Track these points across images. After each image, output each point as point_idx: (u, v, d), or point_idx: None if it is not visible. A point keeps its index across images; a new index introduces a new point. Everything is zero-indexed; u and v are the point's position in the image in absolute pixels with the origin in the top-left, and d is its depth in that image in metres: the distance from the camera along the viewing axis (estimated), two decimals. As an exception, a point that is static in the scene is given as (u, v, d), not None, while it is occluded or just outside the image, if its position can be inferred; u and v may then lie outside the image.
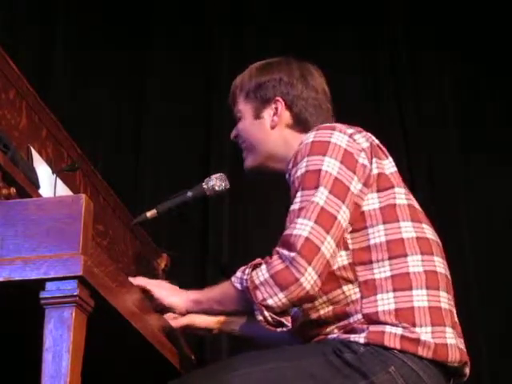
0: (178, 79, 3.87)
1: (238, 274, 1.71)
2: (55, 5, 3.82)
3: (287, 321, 1.67)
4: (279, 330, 1.67)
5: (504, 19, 3.88)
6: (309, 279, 1.61)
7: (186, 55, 3.93)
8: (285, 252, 1.63)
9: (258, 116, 1.96)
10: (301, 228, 1.63)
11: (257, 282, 1.64)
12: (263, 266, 1.66)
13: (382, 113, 3.84)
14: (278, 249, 1.65)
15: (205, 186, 2.06)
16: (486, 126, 3.78)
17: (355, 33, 3.98)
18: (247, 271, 1.69)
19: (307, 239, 1.62)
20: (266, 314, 1.64)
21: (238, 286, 1.70)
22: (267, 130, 1.95)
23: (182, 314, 1.84)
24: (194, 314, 1.91)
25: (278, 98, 1.94)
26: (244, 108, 1.98)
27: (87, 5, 3.87)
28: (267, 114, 1.95)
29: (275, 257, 1.65)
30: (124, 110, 3.85)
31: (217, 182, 2.06)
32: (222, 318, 2.00)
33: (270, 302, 1.62)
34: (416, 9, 3.99)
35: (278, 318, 1.65)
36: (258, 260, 1.70)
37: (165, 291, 1.83)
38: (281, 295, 1.62)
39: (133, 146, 3.78)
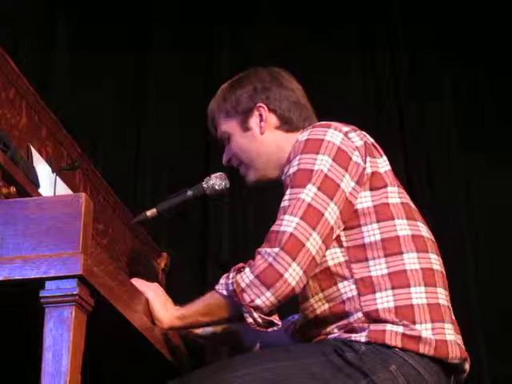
0: (178, 79, 3.87)
1: (222, 280, 1.70)
2: (55, 5, 3.82)
3: (276, 320, 1.67)
4: (270, 329, 1.67)
5: (504, 19, 3.88)
6: (294, 275, 1.61)
7: (186, 55, 3.93)
8: (267, 249, 1.63)
9: (246, 128, 1.95)
10: (286, 224, 1.64)
11: (243, 284, 1.64)
12: (247, 269, 1.66)
13: (382, 113, 3.84)
14: (259, 249, 1.66)
15: (205, 185, 2.06)
16: (485, 126, 3.77)
17: (355, 33, 3.98)
18: (231, 275, 1.68)
19: (291, 235, 1.62)
20: (256, 315, 1.64)
21: (224, 292, 1.68)
22: (259, 138, 1.94)
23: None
24: None
25: (260, 104, 1.94)
26: (228, 127, 1.97)
27: (87, 5, 3.87)
28: (253, 123, 1.94)
29: (257, 257, 1.65)
30: (124, 110, 3.85)
31: (217, 181, 2.06)
32: (220, 329, 2.00)
33: (258, 302, 1.62)
34: (416, 9, 3.99)
35: (267, 318, 1.65)
36: (241, 264, 1.69)
37: (156, 301, 1.75)
38: (268, 294, 1.62)
39: (133, 146, 3.78)
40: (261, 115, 1.94)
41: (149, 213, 2.05)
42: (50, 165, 1.95)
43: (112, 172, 3.16)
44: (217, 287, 1.71)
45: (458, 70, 3.88)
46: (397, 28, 3.99)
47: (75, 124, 3.00)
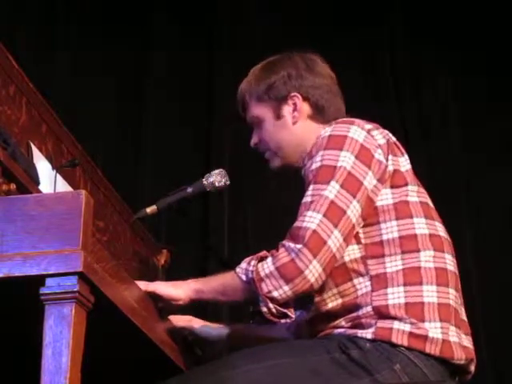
0: (178, 79, 3.87)
1: (243, 265, 1.71)
2: (55, 5, 3.82)
3: (291, 312, 1.68)
4: (283, 321, 1.69)
5: (504, 19, 3.88)
6: (313, 272, 1.61)
7: (186, 55, 3.93)
8: (291, 244, 1.63)
9: (278, 116, 1.93)
10: (309, 221, 1.64)
11: (262, 274, 1.65)
12: (269, 259, 1.66)
13: (382, 113, 3.83)
14: (284, 242, 1.66)
15: (205, 182, 2.07)
16: (486, 126, 3.78)
17: (355, 33, 3.98)
18: (253, 263, 1.69)
19: (314, 232, 1.63)
20: (271, 305, 1.65)
21: (243, 277, 1.70)
22: (290, 127, 1.92)
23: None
24: (195, 321, 1.94)
25: (294, 94, 1.91)
26: (260, 111, 1.95)
27: (87, 5, 3.87)
28: (286, 111, 1.93)
29: (281, 249, 1.65)
30: (124, 110, 3.85)
31: (217, 178, 2.07)
32: (226, 333, 2.00)
33: (275, 294, 1.63)
34: (416, 9, 3.99)
35: (282, 310, 1.66)
36: (264, 252, 1.70)
37: (165, 287, 1.81)
38: (286, 288, 1.62)
39: (133, 146, 3.78)
40: (295, 104, 1.92)
41: (149, 210, 2.06)
42: (50, 162, 1.95)
43: (112, 171, 3.16)
44: (237, 269, 1.72)
45: (458, 70, 3.88)
46: (397, 28, 3.99)
47: (75, 123, 3.00)
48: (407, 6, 4.01)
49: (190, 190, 2.05)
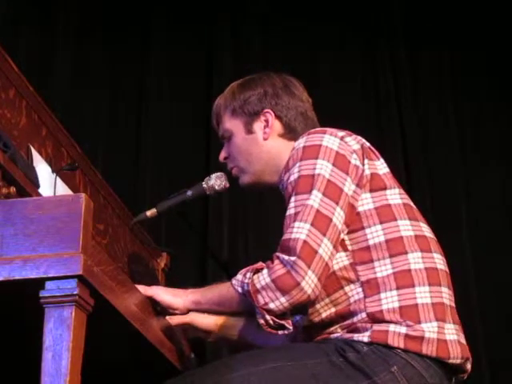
0: (177, 79, 3.87)
1: (239, 276, 1.71)
2: (55, 4, 3.82)
3: (288, 324, 1.67)
4: (281, 332, 1.68)
5: (504, 19, 3.88)
6: (309, 283, 1.62)
7: (185, 55, 3.93)
8: (285, 257, 1.63)
9: (249, 131, 1.96)
10: (298, 231, 1.64)
11: (258, 286, 1.65)
12: (264, 271, 1.66)
13: (382, 113, 3.84)
14: (278, 254, 1.66)
15: (205, 185, 2.07)
16: (485, 126, 3.78)
17: (355, 33, 3.98)
18: (248, 275, 1.68)
19: (305, 242, 1.63)
20: (268, 317, 1.65)
21: (239, 289, 1.70)
22: (260, 143, 1.95)
23: (184, 314, 1.84)
24: (195, 314, 1.93)
25: (267, 110, 1.94)
26: (232, 125, 1.97)
27: (87, 5, 3.88)
28: (258, 127, 1.95)
29: (276, 261, 1.65)
30: (124, 110, 3.85)
31: (216, 181, 2.07)
32: (221, 322, 2.00)
33: (271, 305, 1.63)
34: (416, 8, 3.99)
35: (279, 321, 1.66)
36: (260, 264, 1.70)
37: (165, 294, 1.83)
38: (282, 299, 1.63)
39: (133, 146, 3.78)
40: (266, 121, 1.94)
41: (148, 213, 2.06)
42: (50, 165, 1.95)
43: (112, 172, 3.17)
44: (233, 281, 1.72)
45: (458, 70, 3.88)
46: (397, 28, 3.99)
47: (75, 124, 3.01)
48: (407, 5, 4.01)
49: (189, 193, 2.06)
